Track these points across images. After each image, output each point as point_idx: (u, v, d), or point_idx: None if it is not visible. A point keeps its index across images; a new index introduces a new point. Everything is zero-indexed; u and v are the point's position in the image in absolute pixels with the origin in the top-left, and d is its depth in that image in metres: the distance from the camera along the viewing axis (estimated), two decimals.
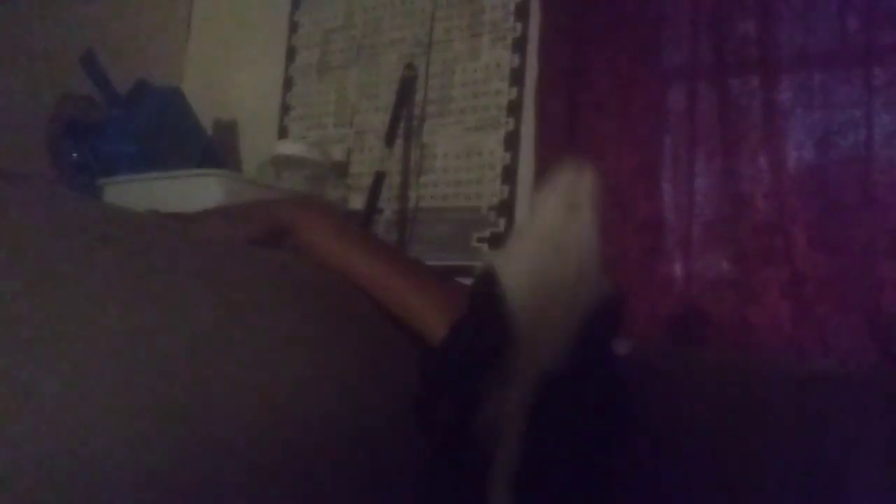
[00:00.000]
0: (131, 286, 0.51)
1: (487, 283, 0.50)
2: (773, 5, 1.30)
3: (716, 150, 1.33)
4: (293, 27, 2.01)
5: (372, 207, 1.67)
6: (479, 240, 1.61)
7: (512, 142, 1.61)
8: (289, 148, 1.76)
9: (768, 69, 1.30)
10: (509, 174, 1.60)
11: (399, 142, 1.74)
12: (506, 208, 1.59)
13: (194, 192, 1.55)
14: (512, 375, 0.46)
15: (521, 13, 1.64)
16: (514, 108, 1.62)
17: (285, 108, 1.98)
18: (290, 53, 2.00)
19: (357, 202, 1.78)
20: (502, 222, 1.58)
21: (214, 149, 1.93)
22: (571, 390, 0.47)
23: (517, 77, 1.63)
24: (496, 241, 1.58)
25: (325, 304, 0.69)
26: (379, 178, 1.67)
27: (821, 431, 1.19)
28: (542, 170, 1.51)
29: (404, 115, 1.74)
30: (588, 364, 0.49)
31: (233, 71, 2.09)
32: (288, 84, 1.99)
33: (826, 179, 1.23)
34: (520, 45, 1.63)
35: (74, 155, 1.77)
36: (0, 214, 0.50)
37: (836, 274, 1.20)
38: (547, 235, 0.50)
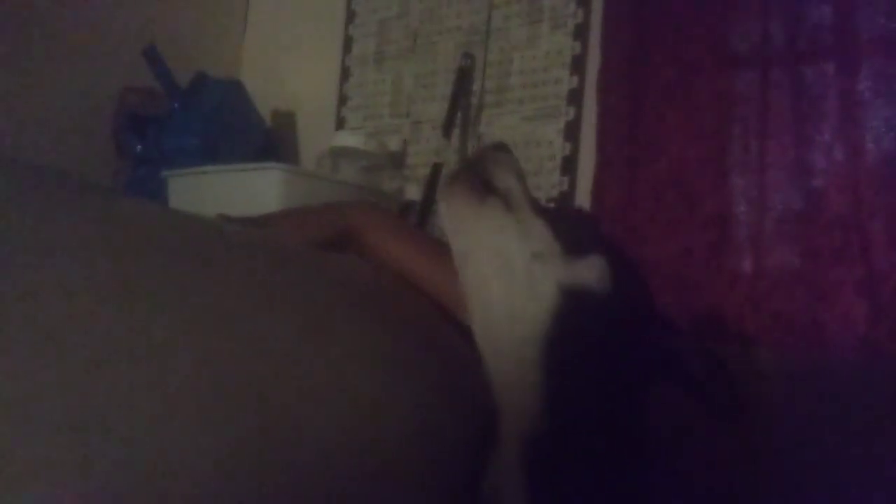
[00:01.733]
0: (208, 303, 0.51)
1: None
2: None
3: (788, 142, 1.28)
4: (350, 17, 2.01)
5: (429, 199, 1.67)
6: None
7: (572, 132, 1.58)
8: (346, 139, 1.76)
9: (845, 56, 1.24)
10: (569, 165, 1.57)
11: (456, 132, 1.72)
12: (566, 200, 1.56)
13: (255, 184, 1.57)
14: (500, 442, 0.44)
15: None
16: (575, 97, 1.58)
17: (342, 99, 1.98)
18: (347, 43, 2.00)
19: (414, 193, 1.78)
20: None
21: (273, 140, 1.95)
22: (563, 445, 0.43)
23: (578, 65, 1.59)
24: None
25: (396, 312, 0.69)
26: (436, 169, 1.66)
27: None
28: (604, 161, 1.47)
29: (461, 105, 1.73)
30: (576, 403, 0.44)
31: (290, 62, 2.10)
32: (345, 74, 1.99)
33: None
34: (581, 32, 1.60)
35: (139, 147, 1.81)
36: (73, 229, 0.49)
37: None
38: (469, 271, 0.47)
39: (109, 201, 0.57)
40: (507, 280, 0.50)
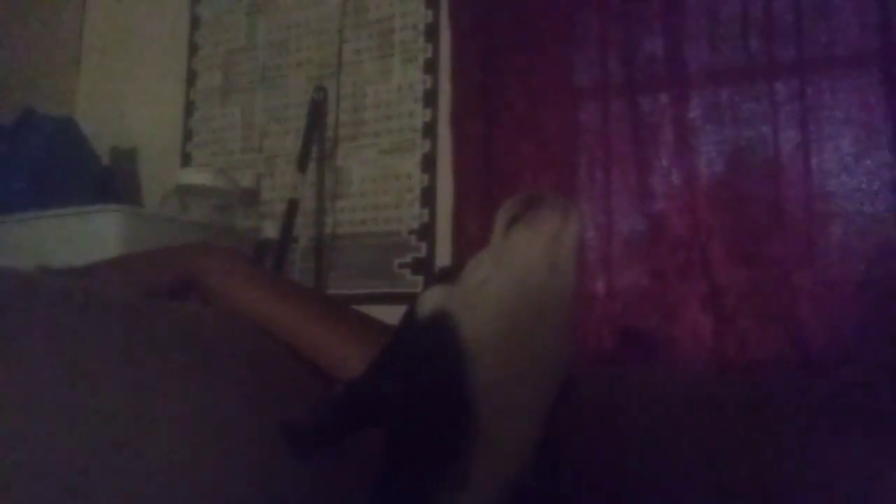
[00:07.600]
0: (9, 374, 0.44)
1: (442, 335, 0.37)
2: (678, 25, 1.32)
3: (630, 168, 1.34)
4: (192, 49, 1.92)
5: (286, 236, 1.61)
6: (401, 265, 1.56)
7: (429, 164, 1.58)
8: (193, 176, 1.67)
9: (677, 87, 1.32)
10: (429, 197, 1.57)
11: (312, 166, 1.68)
12: (427, 232, 1.55)
13: (92, 229, 1.45)
14: (465, 474, 0.37)
15: (431, 34, 1.62)
16: (430, 130, 1.59)
17: (188, 135, 1.89)
18: (191, 77, 1.91)
19: (270, 231, 1.71)
20: (424, 246, 1.55)
21: (113, 181, 1.81)
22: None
23: (430, 98, 1.60)
24: (419, 266, 1.54)
25: (240, 363, 0.64)
26: (293, 206, 1.61)
27: (748, 440, 1.21)
28: (462, 192, 1.48)
29: (316, 139, 1.69)
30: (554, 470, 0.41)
31: (129, 96, 1.97)
32: (189, 109, 1.90)
33: (738, 194, 1.26)
34: (431, 66, 1.61)
35: None
36: None
37: (753, 286, 1.22)
38: (526, 291, 0.37)
39: None
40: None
